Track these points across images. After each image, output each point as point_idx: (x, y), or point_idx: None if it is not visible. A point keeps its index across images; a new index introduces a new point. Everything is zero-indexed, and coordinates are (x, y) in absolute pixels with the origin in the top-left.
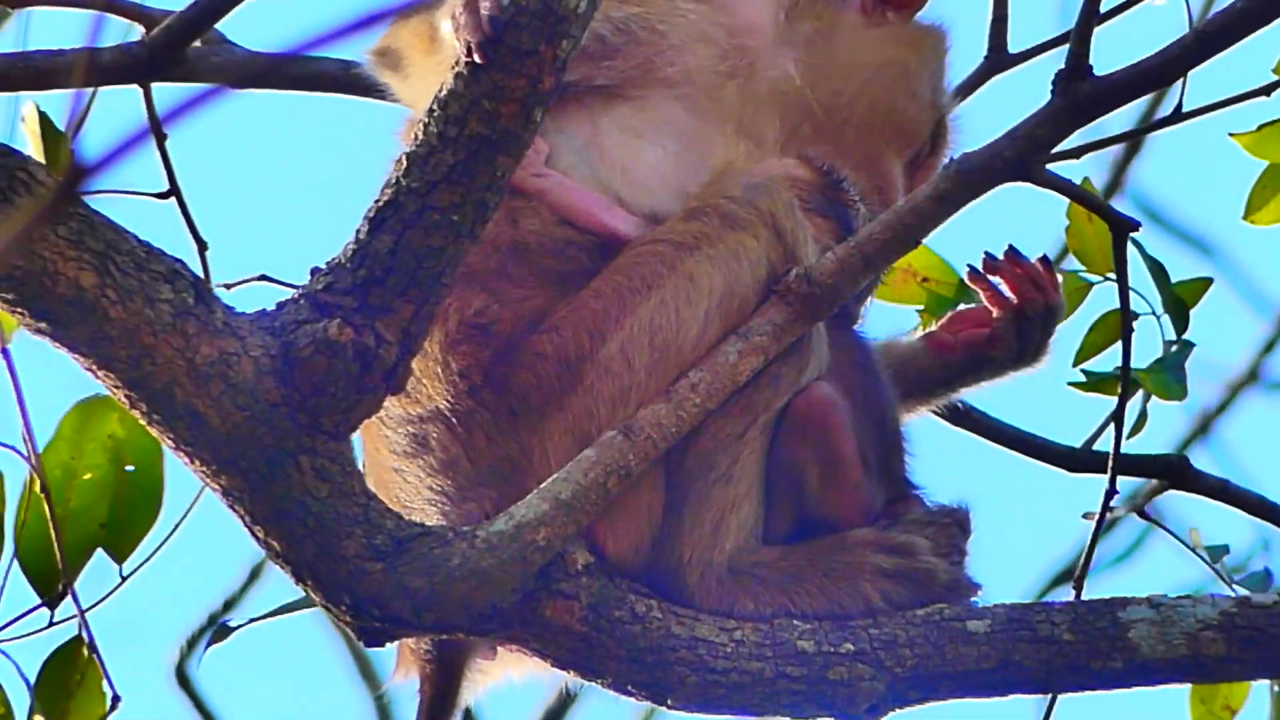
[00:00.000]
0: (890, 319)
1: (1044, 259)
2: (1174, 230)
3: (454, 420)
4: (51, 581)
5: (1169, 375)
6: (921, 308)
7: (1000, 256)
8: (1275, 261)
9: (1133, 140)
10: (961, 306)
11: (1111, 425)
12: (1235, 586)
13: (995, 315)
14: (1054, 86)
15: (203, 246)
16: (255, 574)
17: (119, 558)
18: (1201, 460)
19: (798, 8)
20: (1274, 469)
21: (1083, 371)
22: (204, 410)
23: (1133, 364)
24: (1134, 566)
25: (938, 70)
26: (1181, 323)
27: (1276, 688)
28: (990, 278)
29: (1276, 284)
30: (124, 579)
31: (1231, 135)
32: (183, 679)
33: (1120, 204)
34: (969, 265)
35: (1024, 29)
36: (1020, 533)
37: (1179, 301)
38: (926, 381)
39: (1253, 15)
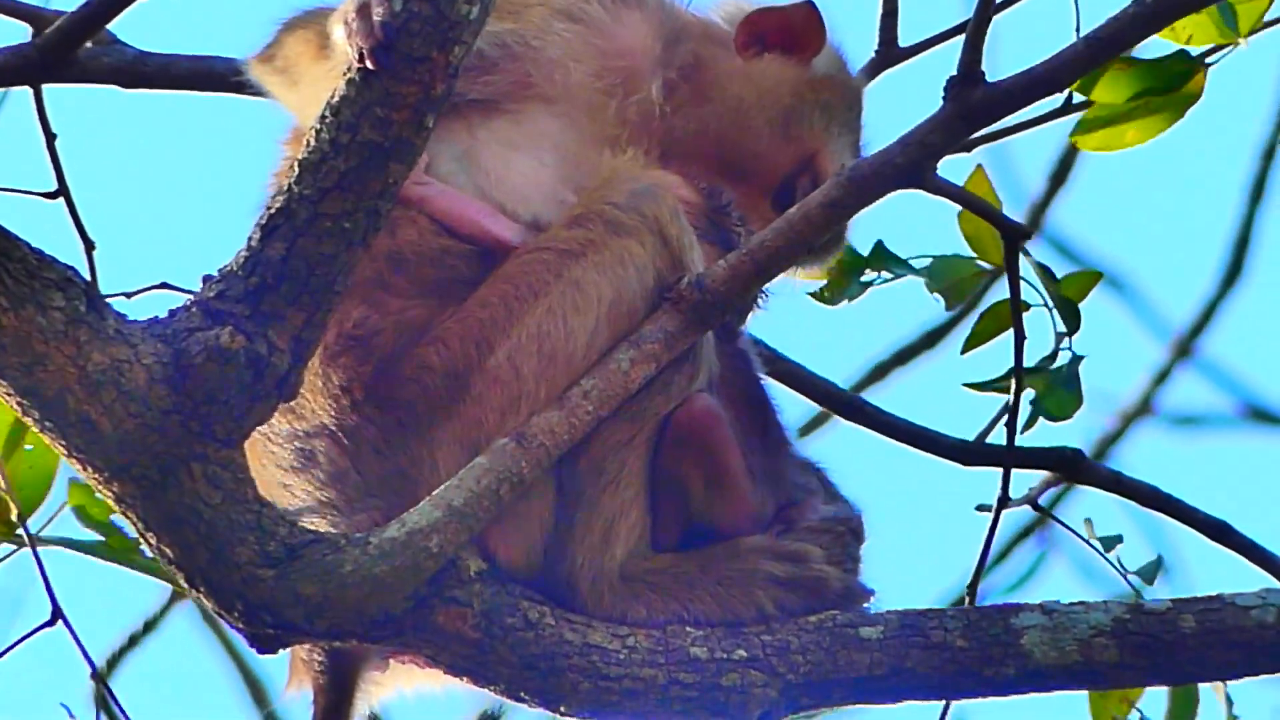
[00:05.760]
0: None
1: None
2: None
3: (340, 434)
4: None
5: (1063, 389)
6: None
7: None
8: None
9: (1023, 132)
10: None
11: (1005, 418)
12: (1129, 576)
13: None
14: (946, 93)
15: (90, 246)
16: (176, 596)
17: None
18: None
19: (678, 36)
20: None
21: (973, 385)
22: (96, 417)
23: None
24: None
25: (814, 108)
26: (1072, 320)
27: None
28: None
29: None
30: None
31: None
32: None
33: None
34: None
35: (915, 24)
36: (915, 528)
37: (1069, 303)
38: None
39: (1144, 21)
